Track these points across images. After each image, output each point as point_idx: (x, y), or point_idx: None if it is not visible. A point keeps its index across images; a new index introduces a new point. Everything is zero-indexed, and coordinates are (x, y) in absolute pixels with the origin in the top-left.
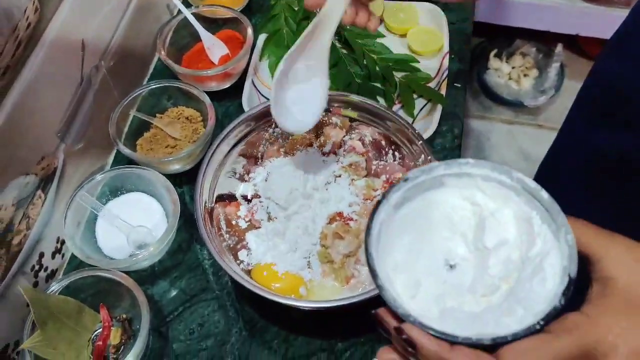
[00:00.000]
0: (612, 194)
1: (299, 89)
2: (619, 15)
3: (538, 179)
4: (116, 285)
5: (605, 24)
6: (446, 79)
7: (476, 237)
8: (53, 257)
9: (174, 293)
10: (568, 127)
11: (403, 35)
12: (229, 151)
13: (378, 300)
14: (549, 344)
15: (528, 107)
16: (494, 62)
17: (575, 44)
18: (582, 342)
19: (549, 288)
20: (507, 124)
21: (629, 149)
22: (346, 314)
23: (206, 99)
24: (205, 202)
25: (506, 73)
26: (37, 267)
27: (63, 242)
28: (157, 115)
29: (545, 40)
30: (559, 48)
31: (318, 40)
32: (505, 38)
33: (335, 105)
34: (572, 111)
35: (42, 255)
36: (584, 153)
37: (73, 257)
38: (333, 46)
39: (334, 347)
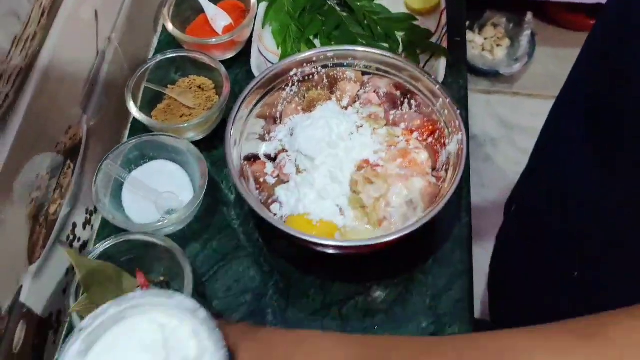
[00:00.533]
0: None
1: None
2: None
3: (546, 127)
4: (151, 249)
5: None
6: (446, 34)
7: (167, 355)
8: (84, 228)
9: (206, 254)
10: (570, 80)
11: None
12: (249, 114)
13: (410, 238)
14: None
15: (504, 76)
16: (466, 35)
17: (543, 11)
18: None
19: None
20: (485, 94)
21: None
22: (379, 258)
23: (220, 67)
24: (234, 161)
25: (479, 44)
26: (71, 237)
27: (92, 214)
28: (168, 86)
29: (514, 10)
30: (529, 16)
31: None
32: (475, 10)
33: (351, 60)
34: (578, 61)
35: (75, 225)
36: (582, 101)
37: (101, 228)
38: (333, 9)
39: (369, 290)
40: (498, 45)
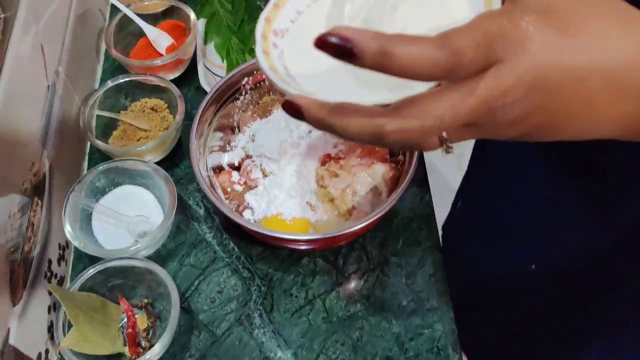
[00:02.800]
0: None
1: None
2: None
3: None
4: (129, 273)
5: None
6: None
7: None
8: (59, 264)
9: (185, 270)
10: None
11: None
12: (208, 128)
13: (379, 223)
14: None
15: None
16: None
17: None
18: (491, 32)
19: None
20: None
21: None
22: (353, 248)
23: (171, 86)
24: (202, 175)
25: None
26: (48, 274)
27: (64, 249)
28: (120, 112)
29: None
30: None
31: None
32: None
33: None
34: None
35: (50, 262)
36: None
37: (76, 262)
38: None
39: (349, 279)
40: None
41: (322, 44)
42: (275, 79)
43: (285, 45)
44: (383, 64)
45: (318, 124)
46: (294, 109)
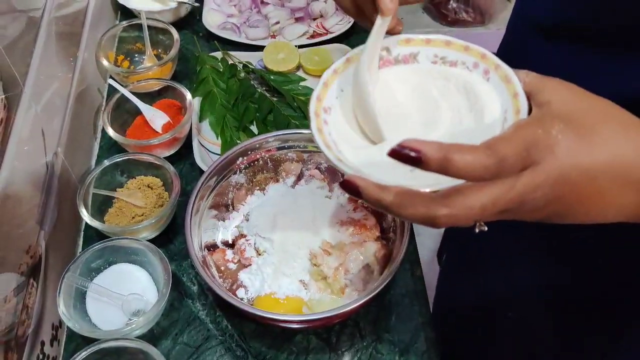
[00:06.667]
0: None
1: None
2: (478, 33)
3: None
4: (123, 354)
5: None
6: None
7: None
8: (52, 344)
9: (179, 349)
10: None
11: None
12: (203, 206)
13: (372, 300)
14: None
15: None
16: None
17: None
18: (528, 140)
19: None
20: None
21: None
22: (346, 324)
23: (167, 165)
24: (197, 254)
25: None
26: (41, 357)
27: (57, 329)
28: (117, 190)
29: None
30: None
31: None
32: None
33: (291, 142)
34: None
35: (43, 343)
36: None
37: (68, 342)
38: (263, 96)
39: (342, 356)
40: None
41: (396, 154)
42: (331, 157)
43: (332, 122)
44: (444, 169)
45: (374, 203)
46: (352, 189)
